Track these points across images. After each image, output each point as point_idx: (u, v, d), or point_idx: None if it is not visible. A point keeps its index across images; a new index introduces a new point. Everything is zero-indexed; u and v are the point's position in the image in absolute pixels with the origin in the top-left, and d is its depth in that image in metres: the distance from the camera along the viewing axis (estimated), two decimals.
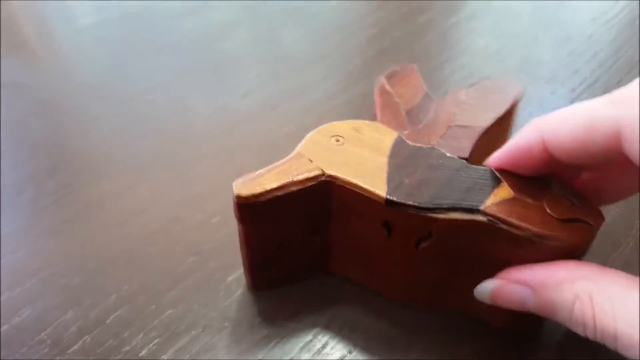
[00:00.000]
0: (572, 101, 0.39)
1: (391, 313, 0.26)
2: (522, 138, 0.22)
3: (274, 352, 0.24)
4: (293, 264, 0.26)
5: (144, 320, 0.25)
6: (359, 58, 0.44)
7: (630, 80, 0.41)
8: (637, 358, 0.17)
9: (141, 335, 0.25)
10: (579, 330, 0.19)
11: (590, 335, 0.19)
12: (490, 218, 0.21)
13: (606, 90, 0.40)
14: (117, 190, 0.32)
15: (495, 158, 0.23)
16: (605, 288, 0.18)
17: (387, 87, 0.27)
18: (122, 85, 0.40)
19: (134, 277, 0.27)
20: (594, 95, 0.40)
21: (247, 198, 0.22)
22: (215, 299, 0.26)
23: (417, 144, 0.24)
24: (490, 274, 0.22)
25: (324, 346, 0.25)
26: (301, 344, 0.24)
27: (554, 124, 0.21)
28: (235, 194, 0.22)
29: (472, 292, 0.24)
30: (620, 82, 0.41)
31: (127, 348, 0.24)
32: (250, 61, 0.43)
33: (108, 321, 0.25)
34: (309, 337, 0.25)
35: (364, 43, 0.46)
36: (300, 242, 0.25)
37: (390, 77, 0.28)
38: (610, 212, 0.31)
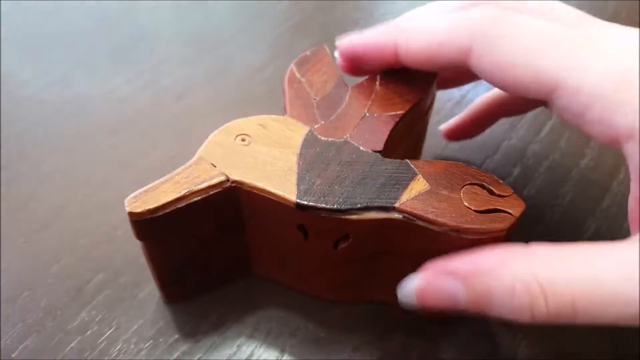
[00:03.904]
0: None
1: (318, 313, 0.25)
2: (377, 37, 0.23)
3: None
4: (209, 272, 0.24)
5: (54, 350, 0.23)
6: (269, 35, 0.42)
7: None
8: (605, 319, 0.16)
9: None
10: (524, 316, 0.17)
11: (539, 316, 0.17)
12: (405, 215, 0.20)
13: None
14: (14, 205, 0.29)
15: (346, 44, 0.24)
16: (546, 262, 0.17)
17: (297, 76, 0.26)
18: (12, 87, 0.37)
19: (38, 302, 0.25)
20: None
21: (141, 214, 0.20)
22: (128, 319, 0.24)
23: (329, 139, 0.23)
24: (414, 267, 0.22)
25: (249, 356, 0.23)
26: (225, 357, 0.23)
27: (411, 33, 0.22)
28: (127, 212, 0.20)
29: (397, 286, 0.23)
30: None
31: None
32: (151, 46, 0.40)
33: (14, 355, 0.23)
34: (233, 348, 0.24)
35: (273, 20, 0.43)
36: (214, 250, 0.23)
37: (300, 64, 0.26)
38: (535, 183, 0.31)
